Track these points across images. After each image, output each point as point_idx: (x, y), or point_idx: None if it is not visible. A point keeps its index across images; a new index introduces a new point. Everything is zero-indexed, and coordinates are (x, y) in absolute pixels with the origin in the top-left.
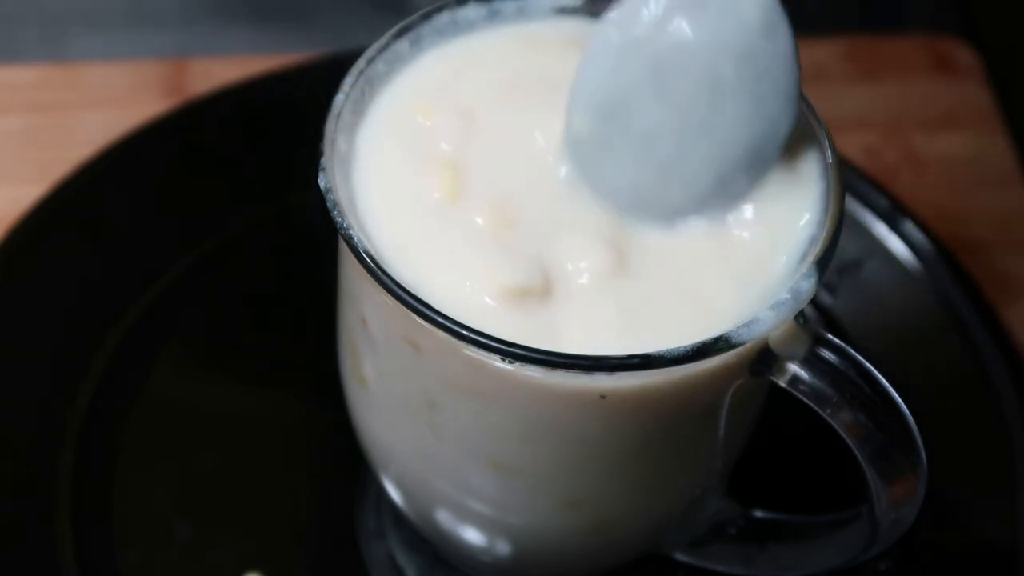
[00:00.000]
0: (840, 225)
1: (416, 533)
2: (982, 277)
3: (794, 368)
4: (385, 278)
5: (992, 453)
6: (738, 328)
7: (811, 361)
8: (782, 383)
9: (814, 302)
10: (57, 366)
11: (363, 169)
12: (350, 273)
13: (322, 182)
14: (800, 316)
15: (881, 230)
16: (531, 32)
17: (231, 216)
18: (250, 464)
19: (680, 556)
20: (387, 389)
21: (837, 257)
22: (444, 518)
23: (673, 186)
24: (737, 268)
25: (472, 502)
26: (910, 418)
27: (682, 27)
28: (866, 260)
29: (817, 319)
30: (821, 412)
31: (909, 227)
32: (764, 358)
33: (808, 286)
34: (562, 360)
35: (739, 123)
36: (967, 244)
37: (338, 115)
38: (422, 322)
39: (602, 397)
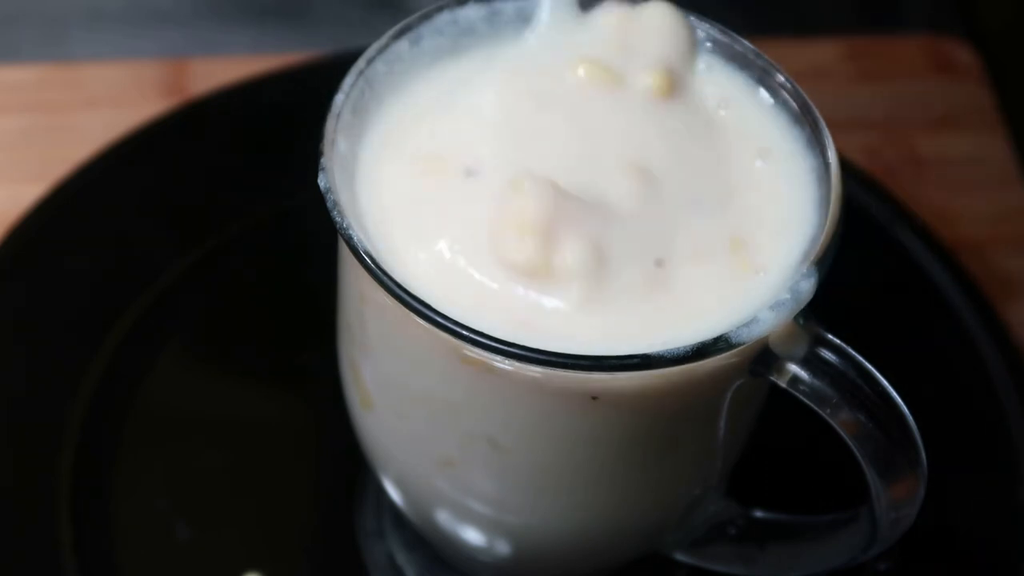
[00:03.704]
0: (840, 225)
1: (416, 533)
2: (982, 277)
3: (794, 368)
4: (385, 278)
5: (992, 452)
6: (738, 328)
7: (811, 361)
8: (782, 383)
9: (814, 302)
10: (57, 366)
11: (364, 169)
12: (350, 273)
13: (322, 182)
14: (800, 316)
15: (881, 230)
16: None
17: (231, 216)
18: (250, 464)
19: (680, 556)
20: (386, 389)
21: (837, 257)
22: (444, 518)
23: None
24: (737, 268)
25: (471, 502)
26: (910, 418)
27: None
28: (866, 260)
29: (817, 319)
30: (821, 412)
31: (909, 227)
32: (764, 358)
33: (808, 286)
34: (561, 360)
35: None
36: (967, 244)
37: (338, 115)
38: (421, 322)
39: (593, 399)
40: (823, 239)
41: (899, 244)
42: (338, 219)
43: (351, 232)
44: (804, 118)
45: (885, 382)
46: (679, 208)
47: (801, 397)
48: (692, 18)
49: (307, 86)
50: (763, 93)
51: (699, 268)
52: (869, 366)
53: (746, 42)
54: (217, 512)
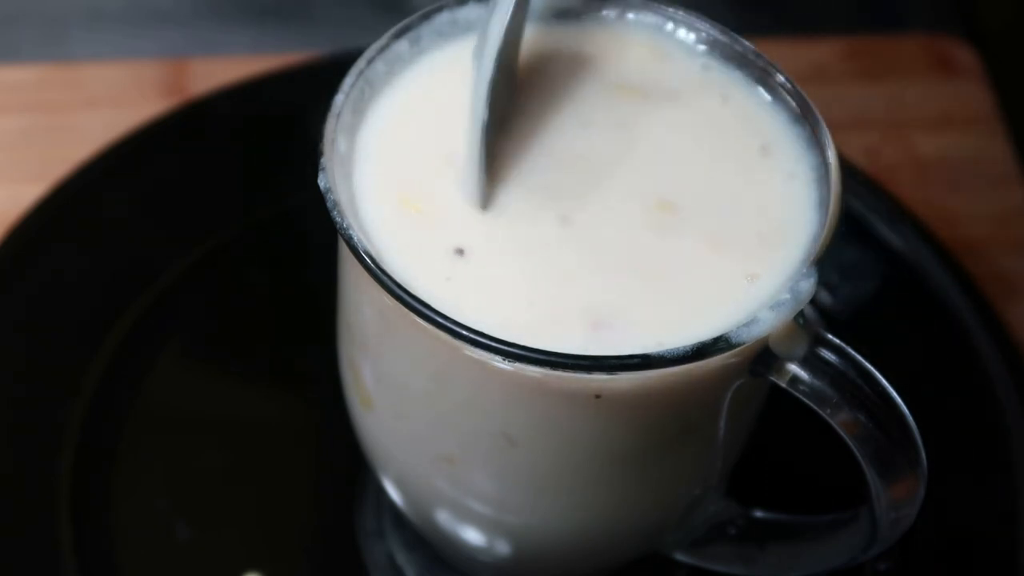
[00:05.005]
0: (840, 225)
1: (416, 533)
2: (982, 277)
3: (794, 368)
4: (385, 278)
5: (992, 453)
6: (738, 328)
7: (811, 361)
8: (782, 383)
9: (814, 302)
10: (57, 366)
11: (363, 169)
12: (350, 273)
13: (322, 182)
14: (800, 316)
15: (881, 230)
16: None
17: (231, 216)
18: (250, 464)
19: (680, 556)
20: (386, 389)
21: (837, 257)
22: (444, 518)
23: None
24: (737, 268)
25: (471, 502)
26: (910, 418)
27: None
28: (866, 260)
29: (817, 319)
30: (821, 412)
31: (909, 227)
32: (764, 358)
33: (808, 286)
34: (561, 360)
35: None
36: (967, 244)
37: (338, 115)
38: (421, 322)
39: (597, 397)
40: (823, 239)
41: (899, 244)
42: (338, 219)
43: (351, 232)
44: (804, 118)
45: (885, 382)
46: (680, 209)
47: (801, 397)
48: (693, 17)
49: (307, 86)
50: (763, 93)
51: (699, 268)
52: (869, 366)
53: (746, 42)
54: (217, 512)
